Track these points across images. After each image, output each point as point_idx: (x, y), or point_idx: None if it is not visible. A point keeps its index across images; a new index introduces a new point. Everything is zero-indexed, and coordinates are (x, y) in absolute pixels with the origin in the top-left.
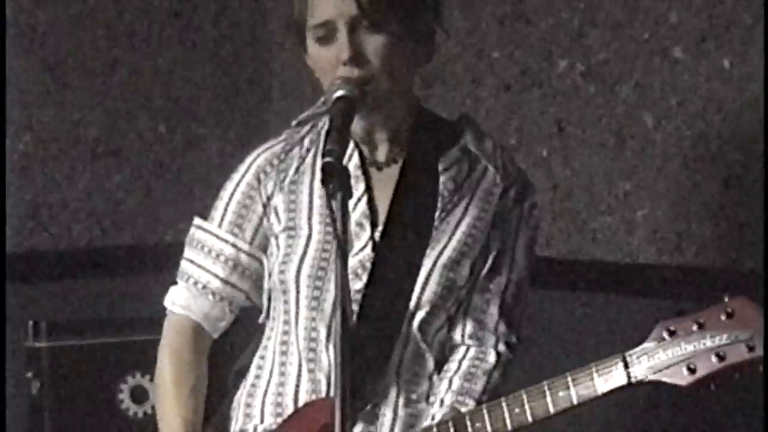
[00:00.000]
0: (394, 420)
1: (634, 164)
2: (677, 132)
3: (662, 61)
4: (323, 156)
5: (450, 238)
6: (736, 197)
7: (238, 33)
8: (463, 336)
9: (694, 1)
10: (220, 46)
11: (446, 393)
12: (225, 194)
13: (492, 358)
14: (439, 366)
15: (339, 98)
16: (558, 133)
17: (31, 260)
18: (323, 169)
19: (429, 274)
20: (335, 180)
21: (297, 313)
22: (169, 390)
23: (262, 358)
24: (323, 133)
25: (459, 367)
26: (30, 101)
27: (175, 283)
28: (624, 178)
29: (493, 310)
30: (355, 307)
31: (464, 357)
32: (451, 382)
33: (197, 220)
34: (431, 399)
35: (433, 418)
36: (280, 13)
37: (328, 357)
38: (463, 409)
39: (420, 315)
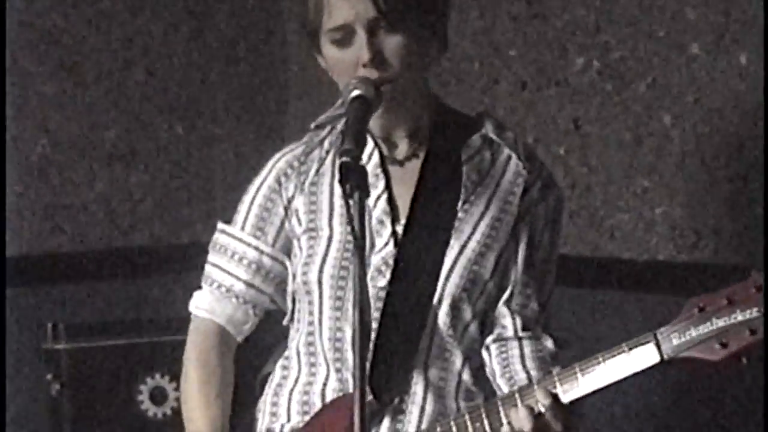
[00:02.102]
0: (420, 416)
1: (652, 161)
2: (695, 129)
3: (679, 58)
4: (340, 156)
5: (474, 230)
6: (754, 194)
7: (254, 33)
8: (515, 330)
9: None
10: (236, 47)
11: (526, 372)
12: (247, 198)
13: (550, 344)
14: (470, 363)
15: (355, 98)
16: (575, 131)
17: (50, 262)
18: (340, 169)
19: (452, 267)
20: (352, 180)
21: (321, 313)
22: (195, 394)
23: (287, 358)
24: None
25: (522, 353)
26: (47, 104)
27: (200, 287)
28: (642, 176)
29: (534, 304)
30: (379, 305)
31: (522, 346)
32: (524, 364)
33: (220, 225)
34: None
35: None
36: (296, 13)
37: (353, 356)
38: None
39: (444, 309)
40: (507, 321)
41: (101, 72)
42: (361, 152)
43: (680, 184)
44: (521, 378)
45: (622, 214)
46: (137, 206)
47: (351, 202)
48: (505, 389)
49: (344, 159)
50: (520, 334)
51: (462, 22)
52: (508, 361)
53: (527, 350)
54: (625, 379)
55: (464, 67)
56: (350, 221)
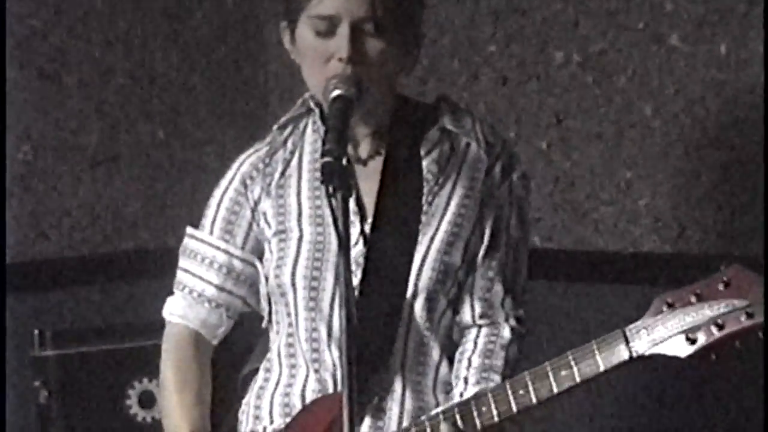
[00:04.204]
0: (401, 413)
1: (634, 153)
2: (676, 120)
3: (659, 50)
4: (322, 156)
5: (440, 222)
6: (737, 183)
7: (234, 37)
8: (473, 317)
9: None
10: (216, 51)
11: (467, 371)
12: (213, 201)
13: (507, 333)
14: (446, 352)
15: (336, 98)
16: (557, 125)
17: (35, 269)
18: (323, 170)
19: (423, 261)
20: (335, 180)
21: (297, 314)
22: (173, 399)
23: (269, 360)
24: (308, 134)
25: (475, 346)
26: (28, 111)
27: (172, 293)
28: (624, 168)
29: (498, 287)
30: None
31: (478, 336)
32: (470, 361)
33: (189, 230)
34: (453, 381)
35: (461, 395)
36: (275, 16)
37: (330, 356)
38: (490, 385)
39: (419, 303)
40: (466, 308)
41: (82, 78)
42: (344, 152)
43: (663, 175)
44: (459, 383)
45: (605, 207)
46: (121, 211)
47: (334, 201)
48: (460, 383)
49: (327, 159)
50: (478, 321)
51: (441, 18)
52: (461, 356)
53: (481, 341)
54: (597, 377)
55: (444, 63)
56: (334, 222)
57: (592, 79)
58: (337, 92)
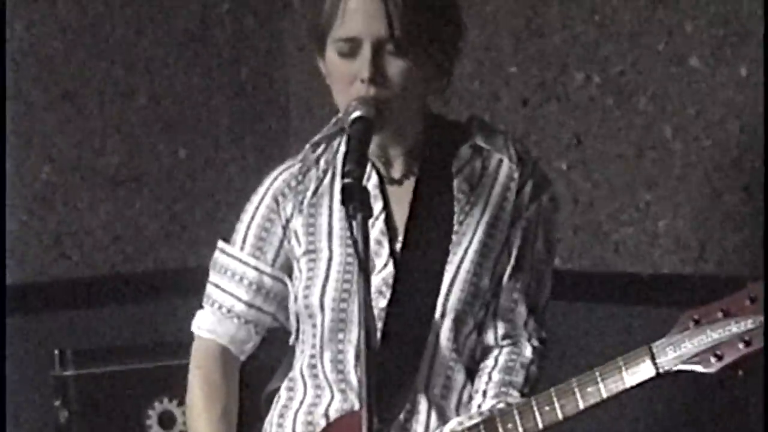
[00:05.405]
0: None
1: (654, 175)
2: (696, 141)
3: (679, 71)
4: (342, 177)
5: (471, 242)
6: (757, 204)
7: (255, 56)
8: (496, 339)
9: (708, 10)
10: (237, 70)
11: (487, 385)
12: (245, 217)
13: (528, 352)
14: (471, 375)
15: (357, 119)
16: (577, 146)
17: (56, 289)
18: (343, 191)
19: (452, 282)
20: (355, 201)
21: (323, 336)
22: (200, 413)
23: (292, 379)
24: (340, 153)
25: (496, 363)
26: (50, 131)
27: (202, 307)
28: (644, 189)
29: (522, 308)
30: (379, 325)
31: (500, 353)
32: (490, 376)
33: (220, 244)
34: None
35: (479, 407)
36: (296, 35)
37: (357, 378)
38: (509, 400)
39: (446, 324)
40: (490, 329)
41: (103, 98)
42: (363, 173)
43: (683, 196)
44: (478, 395)
45: (625, 228)
46: (142, 231)
47: (354, 223)
48: (478, 396)
49: (347, 180)
50: (501, 342)
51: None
52: (482, 372)
53: (502, 358)
54: (621, 393)
55: (465, 85)
56: (354, 243)
57: (612, 100)
58: (356, 114)
